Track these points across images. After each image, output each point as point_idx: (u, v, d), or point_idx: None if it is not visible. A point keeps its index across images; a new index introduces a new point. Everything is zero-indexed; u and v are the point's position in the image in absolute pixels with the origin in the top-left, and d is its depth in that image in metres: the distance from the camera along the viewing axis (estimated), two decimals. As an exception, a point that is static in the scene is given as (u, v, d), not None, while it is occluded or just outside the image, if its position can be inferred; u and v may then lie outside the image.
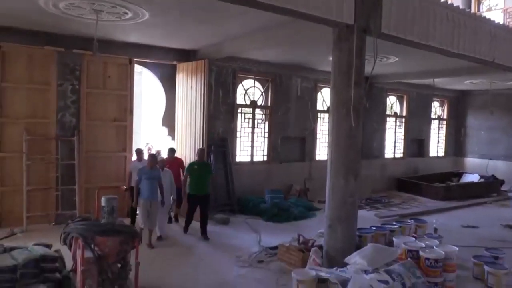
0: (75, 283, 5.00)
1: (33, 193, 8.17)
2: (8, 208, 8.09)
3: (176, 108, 9.98)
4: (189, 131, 9.43)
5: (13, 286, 4.80)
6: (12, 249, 5.35)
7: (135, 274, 5.02)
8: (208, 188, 8.09)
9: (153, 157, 7.64)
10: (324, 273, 5.48)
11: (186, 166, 8.42)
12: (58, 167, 8.44)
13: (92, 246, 4.70)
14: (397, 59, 9.75)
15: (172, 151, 9.03)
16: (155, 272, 6.15)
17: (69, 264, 5.46)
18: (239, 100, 11.01)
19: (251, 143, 11.15)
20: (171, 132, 10.23)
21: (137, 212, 8.14)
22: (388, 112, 14.72)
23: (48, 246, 5.61)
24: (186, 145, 9.48)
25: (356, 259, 5.42)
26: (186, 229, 8.21)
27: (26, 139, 8.03)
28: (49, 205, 8.42)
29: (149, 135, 13.56)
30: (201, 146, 8.92)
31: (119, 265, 5.19)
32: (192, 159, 9.14)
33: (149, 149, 10.86)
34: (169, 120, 10.23)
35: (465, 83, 14.23)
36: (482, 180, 14.58)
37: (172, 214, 9.01)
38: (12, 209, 8.08)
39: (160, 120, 10.41)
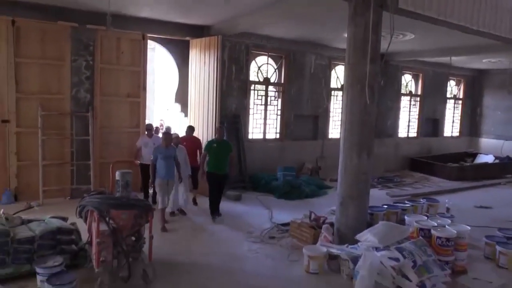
0: (91, 255, 5.12)
1: (49, 168, 8.31)
2: (25, 182, 8.25)
3: (189, 84, 9.95)
4: (202, 107, 9.43)
5: (31, 257, 4.95)
6: (29, 221, 5.50)
7: (149, 247, 5.10)
8: (226, 167, 7.76)
9: (168, 135, 7.41)
10: (335, 249, 5.54)
11: (204, 144, 8.05)
12: (72, 142, 8.55)
13: (107, 219, 4.78)
14: (413, 36, 9.55)
15: (191, 129, 8.84)
16: (168, 246, 6.25)
17: (84, 237, 5.58)
18: (252, 77, 10.94)
19: (263, 120, 11.13)
20: (184, 108, 10.24)
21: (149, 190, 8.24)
22: (403, 91, 14.52)
23: (64, 219, 5.75)
24: (199, 121, 9.49)
25: (367, 236, 5.45)
26: (214, 212, 7.74)
27: (41, 114, 8.11)
28: (64, 180, 8.56)
29: (162, 112, 13.64)
30: (216, 123, 8.92)
31: (133, 238, 5.30)
32: (205, 136, 9.17)
33: (161, 125, 10.89)
34: (182, 97, 10.23)
35: (483, 62, 13.92)
36: (496, 161, 14.41)
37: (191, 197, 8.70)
38: (29, 183, 8.24)
39: (173, 96, 10.42)
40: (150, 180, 7.42)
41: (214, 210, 7.73)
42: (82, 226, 5.63)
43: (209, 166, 7.67)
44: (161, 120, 12.27)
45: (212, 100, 9.08)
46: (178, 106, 10.41)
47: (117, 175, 5.03)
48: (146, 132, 8.62)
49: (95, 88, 8.69)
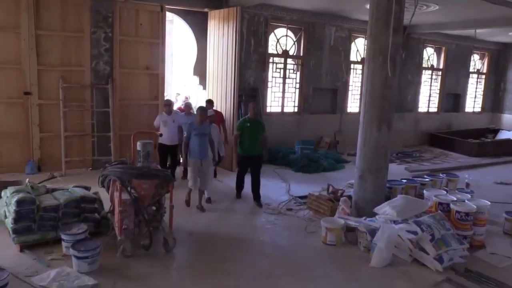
0: (113, 224, 5.26)
1: (70, 139, 8.46)
2: (48, 153, 8.43)
3: (207, 56, 9.91)
4: (220, 80, 9.40)
5: (56, 224, 5.11)
6: (54, 190, 5.65)
7: (169, 217, 5.22)
8: (260, 148, 7.15)
9: (203, 110, 6.80)
10: (353, 222, 5.58)
11: (237, 124, 7.33)
12: (93, 114, 8.65)
13: (129, 188, 4.89)
14: (437, 7, 9.26)
15: (209, 103, 8.44)
16: (188, 216, 6.37)
17: (106, 206, 5.73)
18: (271, 49, 10.83)
19: (282, 94, 11.06)
20: (203, 81, 10.23)
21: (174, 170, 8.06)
22: (424, 65, 14.20)
23: (87, 188, 5.88)
24: (217, 94, 9.48)
25: (385, 209, 5.46)
26: (239, 195, 7.42)
27: (62, 86, 8.20)
28: (86, 151, 8.73)
29: (181, 85, 13.64)
30: (234, 96, 8.86)
31: (154, 208, 5.42)
32: (223, 110, 9.16)
33: (186, 98, 10.84)
34: (200, 69, 10.20)
35: (509, 35, 13.47)
36: (519, 137, 14.12)
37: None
38: (52, 154, 8.42)
39: (191, 69, 10.40)
40: (181, 160, 7.02)
41: (240, 192, 7.42)
42: (104, 196, 5.78)
43: (242, 148, 7.03)
44: (177, 93, 12.24)
45: (231, 73, 9.04)
46: (196, 79, 10.40)
47: (138, 145, 5.10)
48: (164, 109, 8.15)
49: (114, 61, 8.72)
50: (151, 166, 5.17)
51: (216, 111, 8.47)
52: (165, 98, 9.15)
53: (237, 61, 8.92)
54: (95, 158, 8.69)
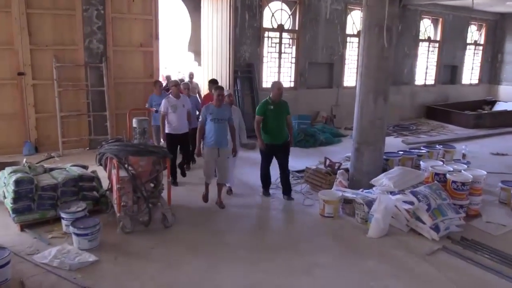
0: (112, 201, 5.29)
1: (67, 119, 8.43)
2: (45, 134, 8.41)
3: (201, 32, 9.78)
4: (215, 56, 9.32)
5: (55, 203, 5.13)
6: (51, 170, 5.66)
7: (167, 193, 5.24)
8: (287, 133, 6.13)
9: (221, 90, 5.77)
10: (350, 194, 5.61)
11: (258, 107, 6.14)
12: (88, 93, 8.59)
13: (126, 165, 4.90)
14: (434, -23, 9.12)
15: (213, 83, 7.50)
16: (185, 192, 6.41)
17: (105, 184, 5.75)
18: (266, 24, 10.69)
19: (278, 69, 11.00)
20: (198, 57, 10.14)
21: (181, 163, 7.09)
22: (421, 37, 14.06)
23: (85, 167, 5.90)
24: (212, 70, 9.42)
25: (382, 181, 5.50)
26: (267, 192, 6.41)
27: (56, 66, 8.11)
28: (82, 131, 8.70)
29: (175, 62, 13.49)
30: (229, 72, 8.77)
31: (152, 185, 5.45)
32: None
33: (191, 75, 10.41)
34: (195, 45, 10.10)
35: (507, 4, 13.30)
36: (516, 108, 14.12)
37: None
38: (48, 134, 8.40)
39: (186, 45, 10.29)
40: (196, 149, 6.02)
41: (267, 186, 6.42)
42: (102, 174, 5.79)
43: (266, 135, 6.03)
44: (180, 72, 12.02)
45: (225, 48, 8.96)
46: (191, 55, 10.31)
47: (134, 122, 5.09)
48: (170, 91, 6.96)
49: (107, 38, 8.61)
50: (148, 143, 5.16)
51: None
52: (172, 79, 8.61)
53: (231, 36, 8.84)
54: (91, 137, 8.68)
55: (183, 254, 4.54)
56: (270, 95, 6.01)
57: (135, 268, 4.21)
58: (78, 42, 8.38)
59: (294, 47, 11.19)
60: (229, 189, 6.39)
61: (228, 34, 8.87)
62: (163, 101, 6.67)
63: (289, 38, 11.18)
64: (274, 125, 5.96)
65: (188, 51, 10.31)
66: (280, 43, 10.92)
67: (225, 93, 6.07)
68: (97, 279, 3.99)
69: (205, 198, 5.97)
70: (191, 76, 10.38)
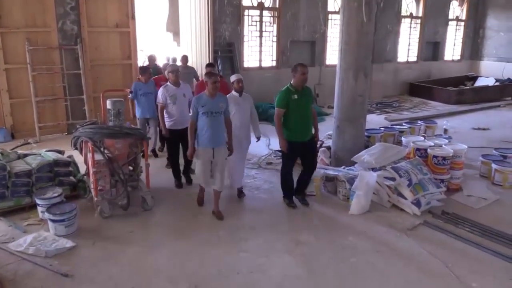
0: (90, 186, 5.17)
1: (43, 104, 8.19)
2: (21, 120, 8.17)
3: (180, 11, 9.53)
4: (194, 35, 9.11)
5: (30, 190, 4.99)
6: (25, 156, 5.49)
7: (145, 175, 5.13)
8: (311, 127, 5.13)
9: (215, 76, 4.68)
10: (331, 171, 5.58)
11: (278, 95, 5.00)
12: (64, 77, 8.34)
13: (102, 148, 4.77)
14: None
15: (211, 67, 6.50)
16: (166, 175, 6.30)
17: (82, 169, 5.63)
18: (246, 1, 10.46)
19: (259, 48, 10.84)
20: (176, 37, 9.92)
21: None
22: (403, 13, 13.96)
23: (61, 152, 5.74)
24: (192, 50, 9.22)
25: (364, 157, 5.47)
26: (291, 200, 5.28)
27: (29, 49, 7.84)
28: (60, 116, 8.48)
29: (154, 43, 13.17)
30: (209, 52, 8.59)
31: (130, 168, 5.33)
32: (199, 66, 8.89)
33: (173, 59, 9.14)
34: (173, 25, 9.87)
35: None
36: (497, 83, 14.21)
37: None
38: (25, 120, 8.17)
39: (164, 25, 10.05)
40: (188, 151, 4.89)
41: (297, 193, 5.34)
42: (79, 159, 5.65)
43: (290, 132, 4.93)
44: (169, 56, 11.02)
45: (204, 27, 8.77)
46: (170, 35, 10.08)
47: (108, 103, 4.94)
48: (170, 77, 5.79)
49: (81, 19, 8.32)
50: (124, 125, 5.02)
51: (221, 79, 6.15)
52: (171, 63, 7.49)
53: (210, 15, 8.63)
54: (69, 122, 8.47)
55: (163, 237, 4.46)
56: (291, 81, 4.92)
57: (113, 253, 4.13)
58: (50, 24, 8.09)
59: (275, 25, 11.01)
60: (239, 192, 5.55)
61: (206, 12, 8.67)
62: (160, 90, 5.64)
63: (270, 16, 10.99)
64: (299, 119, 4.87)
65: (167, 31, 10.07)
66: (261, 21, 10.74)
67: (233, 78, 5.34)
68: (74, 265, 3.90)
69: (200, 200, 5.22)
70: (183, 59, 8.52)
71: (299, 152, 5.07)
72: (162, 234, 4.53)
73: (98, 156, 4.74)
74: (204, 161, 4.84)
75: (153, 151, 7.12)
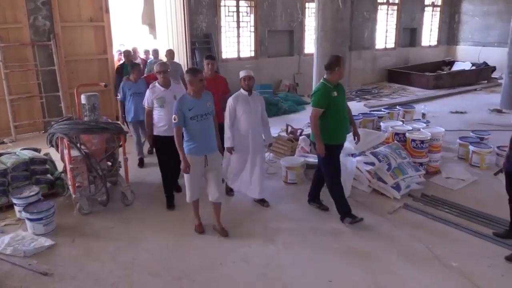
0: (68, 183, 5.08)
1: (17, 102, 8.00)
2: (-5, 119, 7.99)
3: (155, 3, 9.38)
4: (170, 28, 8.99)
5: (6, 189, 4.88)
6: (0, 155, 5.35)
7: (124, 170, 5.05)
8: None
9: (197, 73, 4.08)
10: (312, 159, 5.58)
11: (316, 93, 4.38)
12: (38, 74, 8.15)
13: (78, 144, 4.68)
14: None
15: (211, 58, 5.72)
16: (145, 169, 6.24)
17: (60, 166, 5.52)
18: (222, -8, 10.38)
19: (237, 38, 10.76)
20: (152, 30, 9.78)
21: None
22: (379, 0, 14.01)
23: (37, 150, 5.62)
24: (169, 43, 9.10)
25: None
26: (354, 216, 4.49)
27: (0, 46, 7.63)
28: (35, 113, 8.30)
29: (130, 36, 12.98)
30: (187, 44, 8.50)
31: (109, 163, 5.25)
32: (176, 58, 8.75)
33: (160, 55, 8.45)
34: (149, 18, 9.72)
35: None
36: (473, 67, 14.43)
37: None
38: (-1, 119, 7.99)
39: (140, 18, 9.89)
40: (182, 165, 4.09)
41: (316, 197, 4.93)
42: (57, 157, 5.54)
43: (331, 133, 4.39)
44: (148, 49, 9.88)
45: (181, 19, 8.65)
46: (146, 28, 9.93)
47: (83, 98, 4.84)
48: (158, 78, 4.95)
49: (54, 14, 8.12)
50: (100, 119, 4.93)
51: (217, 76, 5.91)
52: (160, 62, 6.05)
53: (186, 6, 8.51)
54: (46, 120, 8.28)
55: (144, 231, 4.42)
56: (326, 77, 4.36)
57: (94, 249, 4.08)
58: (22, 20, 7.87)
59: (252, 15, 10.94)
60: (261, 201, 4.99)
61: (182, 4, 8.55)
62: (147, 93, 4.89)
63: (247, 6, 10.90)
64: (339, 118, 4.38)
65: (142, 24, 9.91)
66: (238, 11, 10.65)
67: (242, 74, 4.83)
68: (54, 263, 3.84)
69: (200, 227, 4.38)
70: (168, 54, 7.81)
71: (338, 155, 4.55)
72: (143, 229, 4.48)
73: (75, 152, 4.66)
74: (195, 172, 4.13)
75: (141, 160, 6.38)
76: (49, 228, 4.37)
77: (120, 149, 5.12)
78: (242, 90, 4.84)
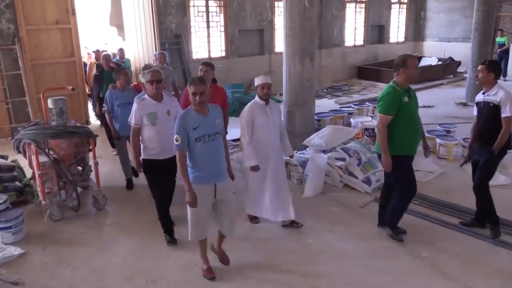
0: (37, 190, 4.97)
1: (-18, 109, 7.79)
2: (-42, 127, 7.73)
3: (122, 4, 9.26)
4: (139, 29, 8.90)
5: (-28, 199, 4.74)
6: (-35, 163, 5.19)
7: (95, 174, 4.98)
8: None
9: (202, 83, 3.29)
10: (284, 156, 5.62)
11: (384, 98, 3.86)
12: (3, 78, 7.93)
13: (46, 150, 4.59)
14: None
15: (207, 64, 4.89)
16: (117, 172, 6.16)
17: (29, 173, 5.39)
18: (190, -8, 10.34)
19: (207, 38, 10.74)
20: (121, 31, 9.65)
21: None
22: (347, -2, 14.25)
23: (3, 157, 5.48)
24: (138, 44, 9.00)
25: (314, 140, 5.57)
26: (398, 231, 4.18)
27: (-39, 51, 7.41)
28: (1, 119, 8.07)
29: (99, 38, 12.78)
30: (156, 45, 8.42)
31: (80, 168, 5.17)
32: (145, 60, 8.68)
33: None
34: (117, 19, 9.58)
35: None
36: (439, 63, 14.83)
37: None
38: (-37, 127, 7.74)
39: (108, 19, 9.74)
40: (188, 196, 3.33)
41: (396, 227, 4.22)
42: (25, 163, 5.41)
43: (398, 144, 3.85)
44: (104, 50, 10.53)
45: (149, 20, 8.56)
46: (114, 30, 9.79)
47: (49, 103, 4.74)
48: (149, 88, 4.07)
49: (18, 17, 7.90)
50: (69, 124, 4.85)
51: (215, 86, 5.24)
52: (151, 69, 4.59)
53: (154, 6, 8.43)
54: (13, 126, 8.05)
55: (117, 236, 4.38)
56: (396, 79, 3.88)
57: (65, 256, 4.01)
58: (-17, 23, 7.66)
59: (222, 15, 10.94)
60: (292, 223, 4.43)
61: (150, 4, 8.47)
62: (134, 107, 4.06)
63: (216, 6, 10.89)
64: (411, 127, 3.87)
65: (110, 26, 9.76)
66: (207, 11, 10.64)
67: (258, 81, 4.28)
68: (24, 272, 3.76)
69: (210, 272, 3.65)
70: (160, 57, 6.98)
71: (411, 167, 3.99)
72: (116, 233, 4.44)
73: (43, 158, 4.57)
74: (202, 206, 3.40)
75: (129, 182, 5.60)
76: (19, 237, 4.28)
77: (91, 153, 5.04)
78: (257, 99, 4.32)
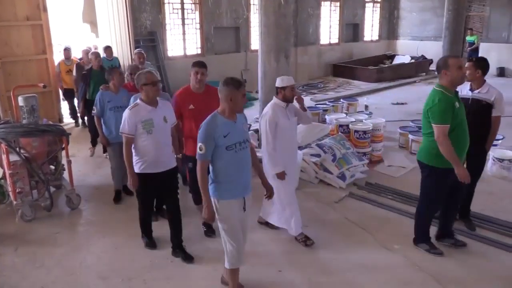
0: (8, 190, 4.86)
1: None
2: None
3: (95, 1, 9.10)
4: (113, 26, 8.76)
5: None
6: None
7: (68, 173, 4.89)
8: None
9: (238, 84, 2.93)
10: (259, 153, 5.65)
11: (436, 106, 3.43)
12: (-29, 77, 7.72)
13: (17, 148, 4.49)
14: None
15: (200, 65, 4.30)
16: (91, 171, 6.08)
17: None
18: (165, -11, 10.23)
19: (182, 36, 10.66)
20: (94, 28, 9.48)
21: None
22: (323, -4, 14.38)
23: (-28, 156, 5.32)
24: (112, 41, 8.86)
25: (290, 137, 5.59)
26: (448, 234, 3.99)
27: None
28: (-30, 119, 7.84)
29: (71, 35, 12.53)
30: (131, 43, 8.31)
31: (52, 167, 5.07)
32: (120, 58, 8.56)
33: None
34: (90, 15, 9.41)
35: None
36: (412, 61, 15.15)
37: None
38: None
39: (80, 16, 9.56)
40: (205, 212, 3.02)
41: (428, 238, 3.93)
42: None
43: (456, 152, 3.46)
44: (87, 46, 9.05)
45: (123, 16, 8.44)
46: (87, 27, 9.62)
47: (20, 100, 4.64)
48: (144, 92, 3.66)
49: (-14, 13, 7.70)
50: (39, 122, 4.75)
51: (208, 87, 4.40)
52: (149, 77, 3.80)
53: (128, 3, 8.33)
54: (-18, 124, 7.84)
55: (91, 235, 4.32)
56: (441, 82, 3.53)
57: (38, 256, 3.94)
58: (-50, 19, 7.42)
59: (197, 12, 10.88)
60: (266, 222, 4.36)
61: (124, 1, 8.35)
62: (126, 114, 3.61)
63: (191, 3, 10.82)
64: (464, 133, 3.54)
65: (83, 22, 9.58)
66: (182, 8, 10.55)
67: (287, 82, 3.91)
68: (-4, 274, 3.67)
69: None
70: (139, 57, 6.71)
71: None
72: (90, 232, 4.38)
73: (14, 157, 4.46)
74: (235, 220, 3.09)
75: (118, 194, 5.08)
76: (-11, 238, 4.18)
77: (64, 152, 4.95)
78: (278, 102, 3.96)
